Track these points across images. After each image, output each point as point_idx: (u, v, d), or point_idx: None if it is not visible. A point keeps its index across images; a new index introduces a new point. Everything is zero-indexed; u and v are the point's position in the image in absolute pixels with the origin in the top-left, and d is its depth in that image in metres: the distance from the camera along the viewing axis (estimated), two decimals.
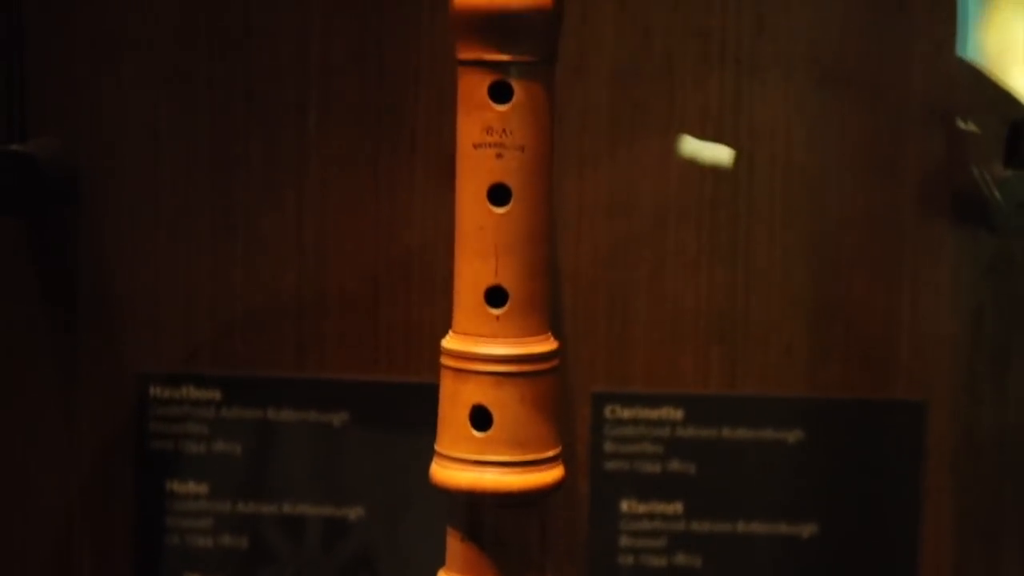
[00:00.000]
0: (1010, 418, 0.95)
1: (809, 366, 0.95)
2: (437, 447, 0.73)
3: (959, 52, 0.93)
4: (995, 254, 0.94)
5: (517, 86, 0.70)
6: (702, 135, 0.94)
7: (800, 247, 0.95)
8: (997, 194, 0.88)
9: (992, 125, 0.92)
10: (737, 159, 0.94)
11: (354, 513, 0.96)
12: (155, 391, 0.96)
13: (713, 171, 0.94)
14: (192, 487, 0.96)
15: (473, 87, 0.71)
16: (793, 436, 0.95)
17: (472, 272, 0.71)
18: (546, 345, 0.72)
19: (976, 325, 0.95)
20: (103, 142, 0.95)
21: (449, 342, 0.72)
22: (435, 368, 0.73)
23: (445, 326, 0.73)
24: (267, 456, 0.96)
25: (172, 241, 0.96)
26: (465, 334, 0.72)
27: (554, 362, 0.72)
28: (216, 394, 0.96)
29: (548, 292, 0.72)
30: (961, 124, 0.93)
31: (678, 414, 0.95)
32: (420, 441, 0.77)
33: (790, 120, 0.94)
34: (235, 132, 0.95)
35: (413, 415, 0.94)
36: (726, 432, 0.95)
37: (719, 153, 0.94)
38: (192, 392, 0.96)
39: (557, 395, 0.73)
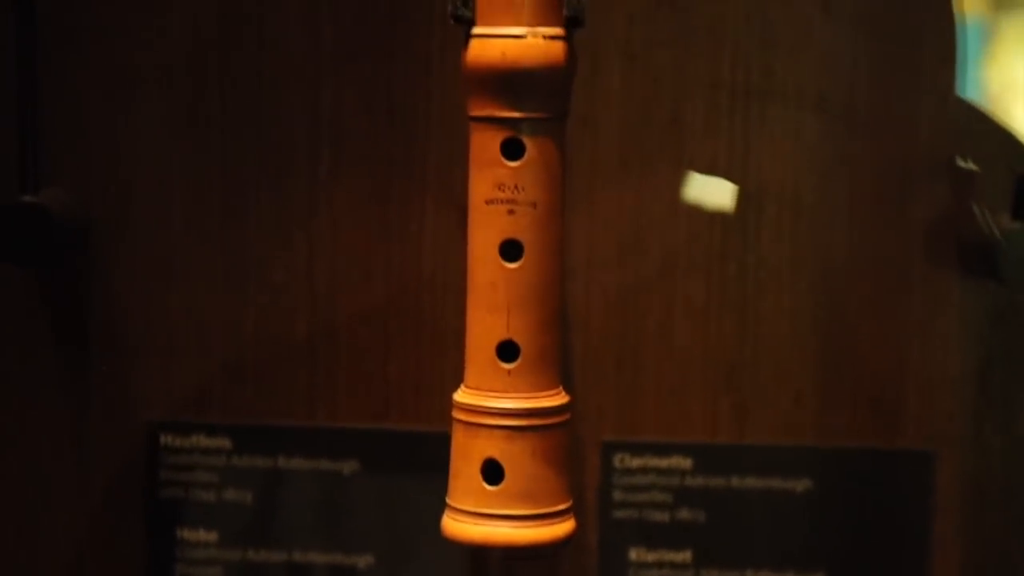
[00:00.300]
0: (1018, 468, 0.95)
1: (817, 416, 0.95)
2: (448, 500, 0.73)
3: (960, 92, 0.94)
4: (1003, 305, 0.94)
5: (529, 143, 0.71)
6: (711, 188, 0.95)
7: (808, 297, 0.95)
8: (1005, 246, 0.88)
9: (1000, 176, 0.93)
10: (746, 210, 0.95)
11: (363, 561, 0.96)
12: (166, 439, 0.96)
13: (722, 221, 0.95)
14: (202, 535, 0.96)
15: (485, 143, 0.71)
16: (802, 485, 0.95)
17: (484, 327, 0.72)
18: (557, 399, 0.73)
19: (984, 375, 0.95)
20: (115, 191, 0.95)
21: (461, 396, 0.73)
22: (445, 417, 0.74)
23: (455, 375, 0.74)
24: (277, 504, 0.96)
25: (183, 290, 0.96)
26: (477, 388, 0.72)
27: (565, 416, 0.73)
28: (226, 442, 0.96)
29: (559, 346, 0.73)
30: (960, 163, 0.94)
31: (687, 463, 0.95)
32: (430, 489, 0.77)
33: (798, 171, 0.94)
34: (246, 181, 0.95)
35: (423, 464, 0.94)
36: (735, 481, 0.95)
37: (725, 190, 0.95)
38: (202, 440, 0.96)
39: (568, 448, 0.73)
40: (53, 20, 0.93)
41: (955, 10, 0.93)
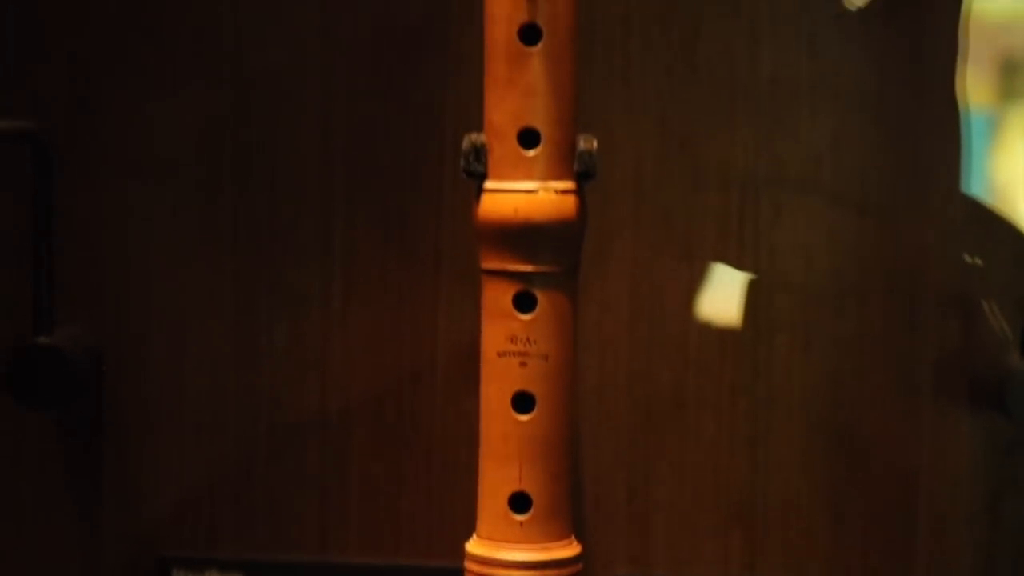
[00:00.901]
0: None
1: (829, 550, 0.95)
2: None
3: (967, 185, 0.94)
4: (1013, 439, 0.95)
5: (541, 296, 0.71)
6: (721, 321, 0.95)
7: (818, 431, 0.95)
8: (1013, 384, 0.88)
9: (1009, 314, 0.93)
10: (755, 342, 0.95)
11: None
12: (178, 575, 0.96)
13: (732, 354, 0.95)
14: None
15: (498, 296, 0.72)
16: None
17: (496, 477, 0.72)
18: (570, 550, 0.73)
19: (994, 509, 0.95)
20: (129, 329, 0.96)
21: (473, 547, 0.73)
22: (457, 552, 0.74)
23: (466, 510, 0.74)
24: None
25: (195, 426, 0.96)
26: (489, 539, 0.72)
27: (578, 566, 0.73)
28: None
29: (570, 496, 0.73)
30: (968, 259, 0.94)
31: None
32: None
33: (808, 307, 0.95)
34: (259, 319, 0.96)
35: None
36: None
37: (735, 304, 0.95)
38: None
39: None
40: (65, 159, 0.94)
41: (961, 103, 0.94)
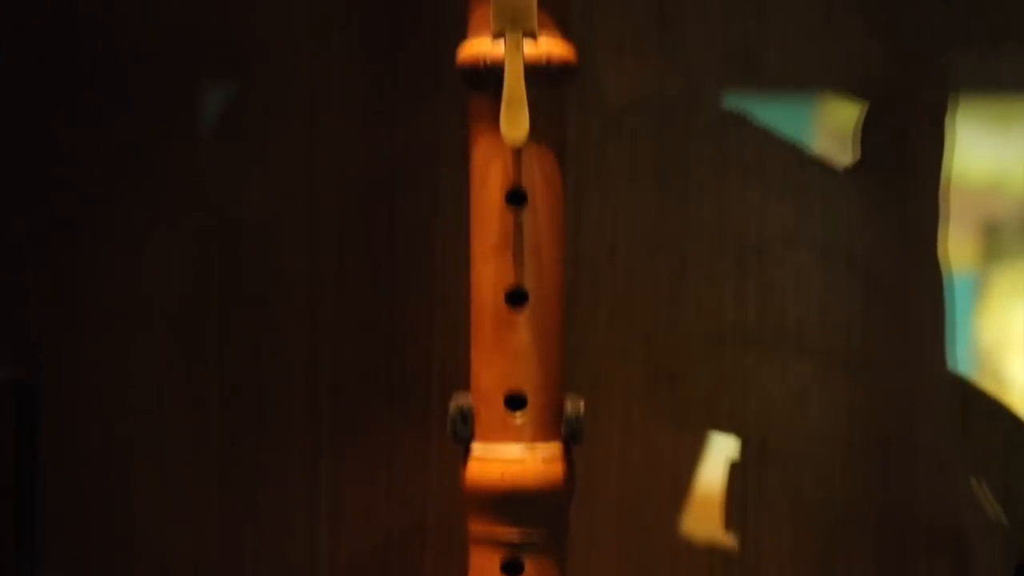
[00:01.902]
0: None
1: None
2: None
3: (952, 349, 0.94)
4: None
5: (529, 564, 0.71)
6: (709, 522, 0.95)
7: None
8: None
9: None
10: (743, 541, 0.95)
11: None
12: None
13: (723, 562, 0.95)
14: None
15: (484, 564, 0.71)
16: None
17: None
18: None
19: None
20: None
21: None
22: None
23: None
24: None
25: None
26: None
27: None
28: None
29: None
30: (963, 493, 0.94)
31: None
32: None
33: (795, 504, 0.95)
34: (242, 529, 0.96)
35: None
36: None
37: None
38: None
39: None
40: (48, 405, 0.94)
41: (945, 264, 0.94)
